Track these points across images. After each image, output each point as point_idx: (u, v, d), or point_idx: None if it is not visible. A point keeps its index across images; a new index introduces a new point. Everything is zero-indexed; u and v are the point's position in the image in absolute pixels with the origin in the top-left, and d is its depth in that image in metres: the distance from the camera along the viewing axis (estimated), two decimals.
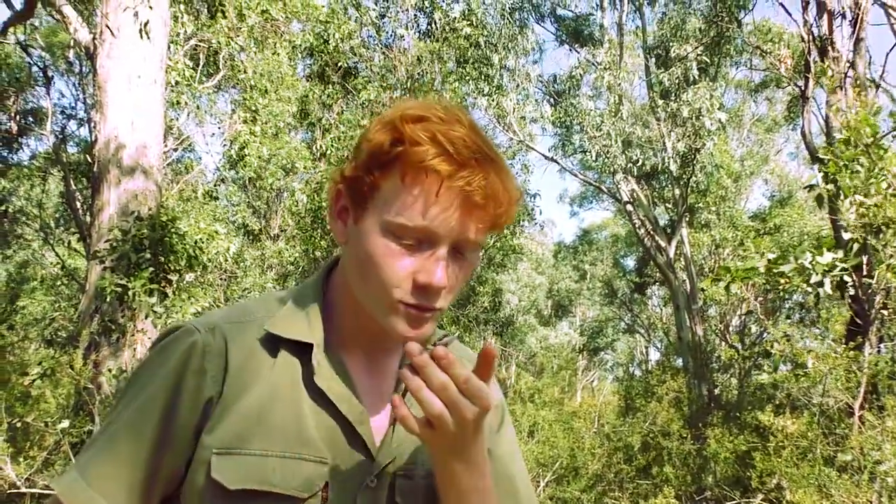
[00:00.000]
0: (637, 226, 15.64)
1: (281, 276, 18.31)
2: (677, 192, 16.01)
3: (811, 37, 8.02)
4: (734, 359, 10.86)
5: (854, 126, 5.47)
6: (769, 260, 5.34)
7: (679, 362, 16.47)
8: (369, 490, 1.08)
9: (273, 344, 1.09)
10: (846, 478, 4.17)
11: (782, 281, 5.34)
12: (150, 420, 1.04)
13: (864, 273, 5.39)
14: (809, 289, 5.12)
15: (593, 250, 30.96)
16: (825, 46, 8.05)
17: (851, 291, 5.42)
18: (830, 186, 5.58)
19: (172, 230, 7.84)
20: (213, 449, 1.03)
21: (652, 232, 14.93)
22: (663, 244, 14.71)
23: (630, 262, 29.13)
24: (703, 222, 21.21)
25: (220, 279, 16.19)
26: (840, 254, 5.05)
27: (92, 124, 12.36)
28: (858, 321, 5.52)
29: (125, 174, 8.34)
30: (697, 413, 8.26)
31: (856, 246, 5.34)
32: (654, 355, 29.45)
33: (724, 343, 17.43)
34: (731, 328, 18.85)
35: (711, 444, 6.56)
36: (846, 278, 5.18)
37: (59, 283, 19.72)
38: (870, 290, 5.46)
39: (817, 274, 5.08)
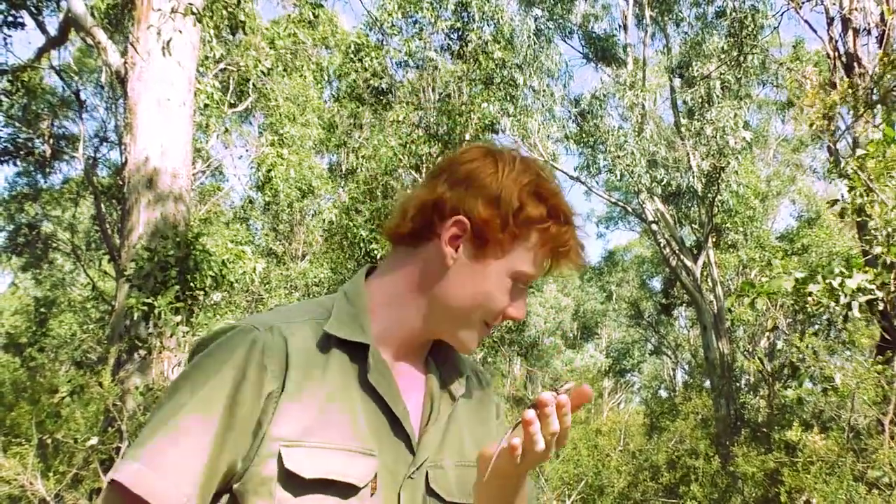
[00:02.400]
0: (662, 245, 15.55)
1: (306, 296, 18.43)
2: (703, 212, 15.92)
3: (836, 53, 8.00)
4: (761, 372, 10.74)
5: (881, 140, 5.43)
6: (797, 279, 5.29)
7: (707, 384, 16.30)
8: (410, 481, 1.19)
9: (328, 343, 1.18)
10: (876, 494, 4.10)
11: (810, 300, 5.29)
12: (216, 412, 1.09)
13: (894, 289, 5.32)
14: (839, 308, 5.06)
15: (619, 271, 30.81)
16: (851, 63, 8.02)
17: (881, 306, 5.35)
18: (858, 200, 5.54)
19: (198, 248, 7.93)
20: (282, 441, 1.10)
21: (678, 252, 14.84)
22: (689, 264, 14.61)
23: (656, 284, 28.96)
24: (730, 243, 21.05)
25: (246, 300, 16.32)
26: (870, 275, 4.99)
27: (123, 146, 12.59)
28: (888, 337, 5.44)
29: (154, 195, 8.47)
30: (724, 432, 8.16)
31: (886, 259, 5.28)
32: (681, 377, 29.13)
33: (751, 366, 17.23)
34: (758, 349, 18.64)
35: (739, 462, 6.48)
36: (876, 292, 5.11)
37: (88, 305, 19.96)
38: None
39: (846, 296, 5.02)
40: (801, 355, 5.19)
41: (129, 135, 9.10)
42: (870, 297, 4.79)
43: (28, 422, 6.16)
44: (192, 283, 7.91)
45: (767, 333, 18.91)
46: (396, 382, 1.21)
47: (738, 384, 13.34)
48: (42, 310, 20.60)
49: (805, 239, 22.06)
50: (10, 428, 6.42)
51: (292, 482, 1.10)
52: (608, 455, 7.61)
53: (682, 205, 17.96)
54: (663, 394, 29.79)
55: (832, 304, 4.82)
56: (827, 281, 4.88)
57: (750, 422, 7.72)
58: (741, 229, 20.79)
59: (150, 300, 7.36)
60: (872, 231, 5.54)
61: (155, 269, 7.68)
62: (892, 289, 4.99)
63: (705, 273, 16.37)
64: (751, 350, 18.18)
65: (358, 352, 1.19)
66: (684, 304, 24.43)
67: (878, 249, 5.47)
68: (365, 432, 1.15)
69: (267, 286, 16.85)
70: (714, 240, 18.10)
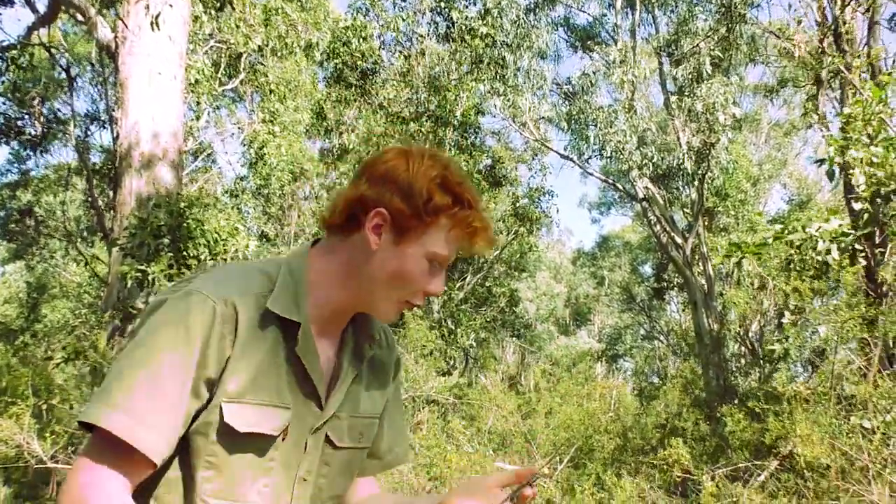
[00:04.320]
0: (653, 223, 15.64)
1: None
2: (693, 193, 16.00)
3: (825, 20, 8.06)
4: (750, 352, 10.84)
5: (865, 100, 5.51)
6: (777, 231, 5.37)
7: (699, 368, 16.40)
8: (316, 432, 1.46)
9: (268, 317, 1.39)
10: (858, 437, 4.18)
11: (792, 252, 5.37)
12: (187, 369, 1.30)
13: (876, 243, 5.40)
14: (818, 257, 5.13)
15: (612, 256, 30.89)
16: (839, 30, 8.08)
17: (863, 262, 5.43)
18: (839, 159, 5.61)
19: (190, 217, 7.96)
20: (224, 398, 1.34)
21: (669, 230, 14.92)
22: (680, 241, 14.69)
23: (648, 269, 29.05)
24: (721, 226, 21.14)
25: None
26: (846, 220, 5.06)
27: (114, 121, 12.59)
28: (871, 291, 5.52)
29: (145, 166, 8.50)
30: (712, 400, 8.25)
31: (866, 216, 5.35)
32: (673, 362, 29.24)
33: (742, 347, 17.33)
34: (749, 333, 18.73)
35: (728, 422, 6.57)
36: (858, 247, 5.19)
37: (81, 289, 19.92)
38: (882, 260, 5.46)
39: (824, 241, 5.10)
40: (788, 302, 5.27)
41: (121, 109, 9.12)
42: (853, 242, 4.86)
43: (24, 385, 6.20)
44: (185, 252, 7.94)
45: (758, 317, 18.99)
46: (317, 352, 1.45)
47: (727, 363, 13.43)
48: (34, 295, 20.53)
49: (796, 222, 22.11)
50: (5, 390, 6.46)
51: (228, 432, 1.34)
52: (599, 419, 7.69)
53: (672, 187, 18.04)
54: (655, 380, 29.92)
55: (811, 252, 4.89)
56: (806, 230, 4.95)
57: (738, 392, 7.79)
58: (732, 212, 20.88)
59: (143, 267, 7.40)
60: (856, 188, 5.62)
61: (148, 237, 7.71)
62: (876, 242, 5.06)
63: (696, 256, 16.45)
64: (741, 333, 18.26)
65: (291, 327, 1.41)
66: (675, 288, 24.54)
67: (858, 206, 5.55)
68: (285, 393, 1.40)
69: None
70: (706, 223, 18.18)
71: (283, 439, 1.41)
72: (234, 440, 1.35)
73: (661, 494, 4.71)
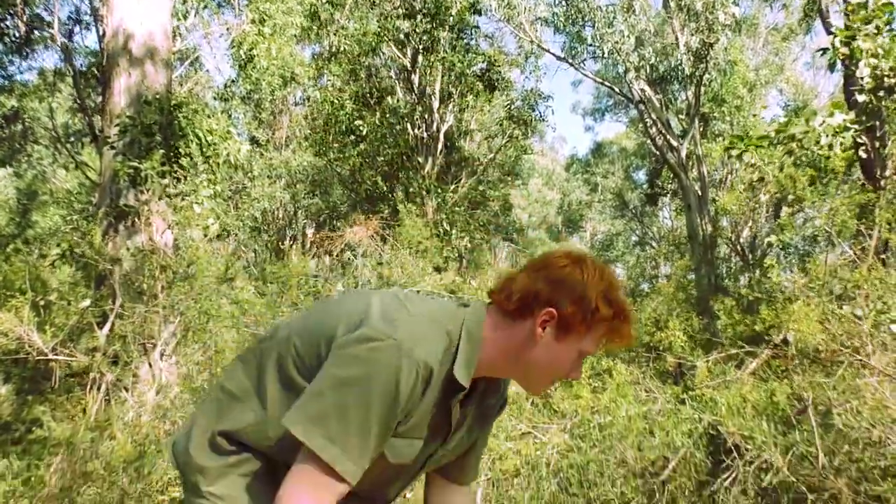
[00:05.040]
0: (649, 125, 15.51)
1: (290, 185, 18.34)
2: (690, 96, 15.81)
3: None
4: (741, 257, 10.94)
5: None
6: (779, 124, 5.31)
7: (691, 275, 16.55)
8: (430, 457, 1.79)
9: (448, 377, 1.66)
10: (852, 324, 4.24)
11: (794, 146, 5.33)
12: (391, 424, 1.59)
13: (877, 136, 5.36)
14: (820, 151, 5.10)
15: (606, 163, 30.73)
16: None
17: (863, 155, 5.40)
18: (845, 50, 5.51)
19: (181, 116, 7.84)
20: (391, 435, 1.63)
21: (664, 132, 14.79)
22: (675, 143, 14.59)
23: (642, 176, 28.97)
24: (716, 132, 20.99)
25: (230, 190, 16.21)
26: (851, 115, 5.01)
27: (99, 22, 12.24)
28: (869, 185, 5.51)
29: (134, 63, 8.30)
30: (704, 297, 8.35)
31: (869, 109, 5.30)
32: (664, 269, 29.48)
33: (734, 253, 17.47)
34: (741, 239, 18.85)
35: (721, 315, 6.66)
36: (859, 140, 5.15)
37: (71, 196, 19.78)
38: (882, 155, 5.44)
39: (827, 136, 5.06)
40: (784, 192, 5.27)
41: (105, 6, 8.87)
42: (855, 135, 4.82)
43: (21, 279, 6.19)
44: (177, 150, 7.86)
45: (750, 223, 19.06)
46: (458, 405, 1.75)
47: (719, 264, 13.57)
48: (24, 202, 20.37)
49: (792, 128, 21.92)
50: (2, 283, 6.46)
51: (378, 458, 1.64)
52: None
53: (669, 90, 17.80)
54: (645, 287, 30.23)
55: (814, 147, 4.86)
56: (810, 123, 4.90)
57: (729, 292, 7.85)
58: (728, 119, 20.69)
59: (136, 164, 7.32)
60: (859, 80, 5.54)
61: (139, 135, 7.61)
62: (877, 135, 5.02)
63: (691, 160, 16.37)
64: (733, 239, 18.39)
65: (457, 386, 1.67)
66: (669, 194, 24.54)
67: (861, 97, 5.49)
68: (426, 428, 1.70)
69: (250, 174, 16.72)
70: (700, 129, 18.01)
71: (412, 464, 1.76)
72: (380, 460, 1.65)
73: (656, 383, 4.80)
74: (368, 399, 1.55)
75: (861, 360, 3.92)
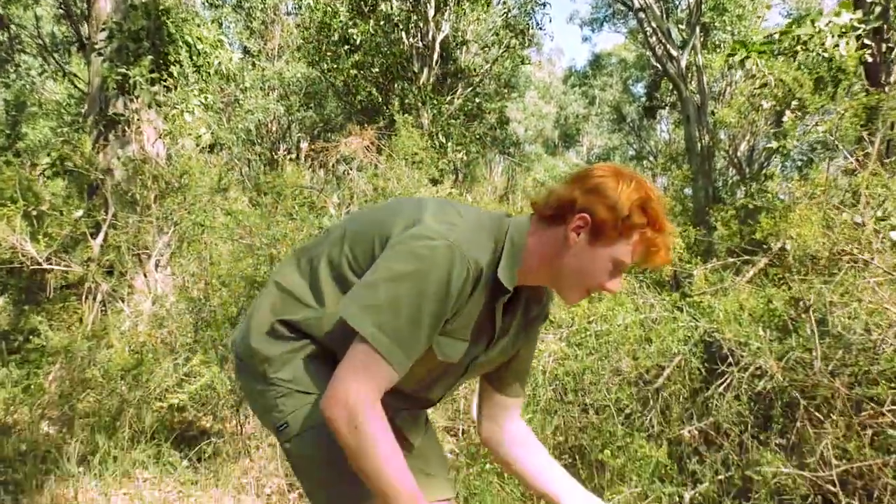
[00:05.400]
0: (648, 34, 15.17)
1: (283, 97, 18.05)
2: (692, 2, 15.40)
3: None
4: (737, 169, 10.86)
5: None
6: (784, 26, 5.15)
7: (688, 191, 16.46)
8: (474, 360, 1.85)
9: (492, 279, 1.72)
10: (851, 230, 4.21)
11: (799, 49, 5.18)
12: (441, 318, 1.65)
13: (883, 39, 5.22)
14: (826, 53, 4.97)
15: (604, 75, 30.23)
16: None
17: (869, 59, 5.26)
18: None
19: (169, 20, 7.61)
20: (439, 332, 1.70)
21: (664, 42, 14.46)
22: (675, 53, 14.28)
23: (640, 89, 28.54)
24: (716, 43, 20.58)
25: (222, 102, 15.93)
26: (859, 13, 4.85)
27: None
28: (873, 91, 5.39)
29: None
30: (701, 209, 8.29)
31: (878, 9, 5.13)
32: (661, 182, 29.38)
33: (732, 167, 17.35)
34: (738, 152, 18.68)
35: (718, 226, 6.62)
36: (866, 41, 5.01)
37: (60, 108, 19.45)
38: (888, 60, 5.30)
39: (833, 36, 4.92)
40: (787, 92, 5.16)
41: None
42: (863, 36, 4.68)
43: (12, 188, 6.12)
44: (167, 57, 7.66)
45: (748, 137, 18.87)
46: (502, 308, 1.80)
47: (717, 176, 13.49)
48: (13, 113, 20.04)
49: (797, 31, 21.46)
50: None
51: (425, 353, 1.70)
52: None
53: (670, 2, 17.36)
54: None
55: (819, 49, 4.73)
56: (816, 24, 4.76)
57: (726, 202, 7.78)
58: (729, 28, 20.26)
59: (124, 70, 7.14)
60: None
61: (126, 39, 7.40)
62: (885, 34, 4.88)
63: (690, 71, 16.07)
64: (730, 153, 18.24)
65: (501, 288, 1.73)
66: (667, 107, 24.23)
67: None
68: (471, 330, 1.77)
69: (242, 86, 16.40)
70: (701, 39, 17.63)
71: (456, 363, 1.81)
72: (427, 357, 1.71)
73: (653, 292, 4.79)
74: (421, 293, 1.62)
75: (860, 265, 3.90)
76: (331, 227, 1.95)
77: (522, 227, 1.79)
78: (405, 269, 1.63)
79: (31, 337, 5.66)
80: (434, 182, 8.13)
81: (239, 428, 4.98)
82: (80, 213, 6.70)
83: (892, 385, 3.18)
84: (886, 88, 5.59)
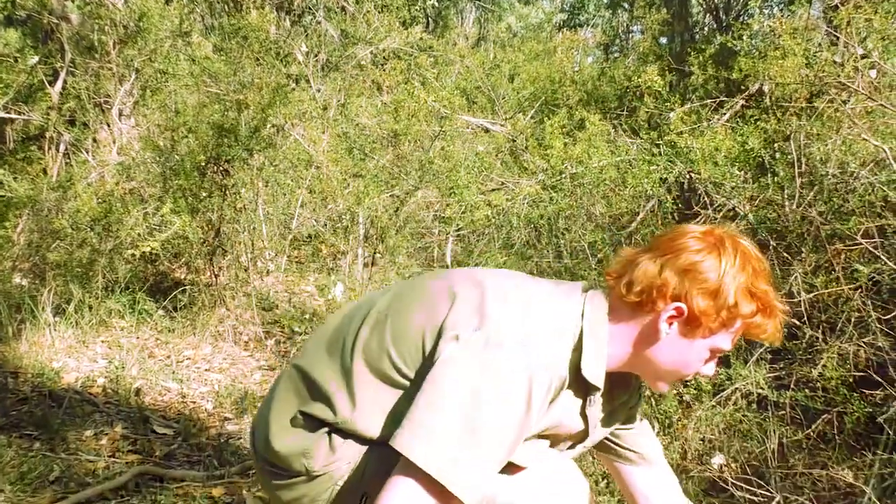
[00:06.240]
0: None
1: None
2: None
3: None
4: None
5: None
6: None
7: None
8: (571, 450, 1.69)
9: (578, 377, 1.50)
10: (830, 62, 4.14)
11: None
12: (521, 437, 1.41)
13: None
14: None
15: None
16: None
17: None
18: None
19: None
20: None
21: None
22: None
23: None
24: None
25: None
26: None
27: None
28: None
29: None
30: (677, 56, 8.12)
31: None
32: (638, 29, 28.70)
33: (708, 14, 16.91)
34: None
35: (695, 70, 6.50)
36: None
37: None
38: None
39: None
40: None
41: None
42: None
43: None
44: None
45: None
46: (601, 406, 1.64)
47: (694, 23, 13.16)
48: None
49: None
50: None
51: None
52: (564, 73, 7.59)
53: None
54: (617, 50, 29.50)
55: None
56: None
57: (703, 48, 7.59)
58: None
59: None
60: None
61: None
62: None
63: None
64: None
65: (587, 388, 1.54)
66: None
67: None
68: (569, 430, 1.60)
69: None
70: None
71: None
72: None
73: (629, 135, 4.75)
74: (500, 418, 1.36)
75: (838, 104, 3.85)
76: (359, 304, 1.64)
77: (600, 309, 1.52)
78: (477, 386, 1.34)
79: None
80: (405, 24, 7.88)
81: (213, 279, 4.99)
82: (35, 59, 6.42)
83: (863, 220, 3.21)
84: None
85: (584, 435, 1.64)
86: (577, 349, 1.49)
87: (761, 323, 1.48)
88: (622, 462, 1.87)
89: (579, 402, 1.57)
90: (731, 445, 3.27)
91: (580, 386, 1.53)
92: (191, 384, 3.95)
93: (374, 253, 4.88)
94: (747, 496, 2.66)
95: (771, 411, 3.25)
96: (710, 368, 1.57)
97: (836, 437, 3.05)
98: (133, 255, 4.50)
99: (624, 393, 1.72)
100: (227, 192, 4.76)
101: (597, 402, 1.60)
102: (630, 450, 1.84)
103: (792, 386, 3.18)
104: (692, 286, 1.44)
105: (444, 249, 5.63)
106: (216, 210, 4.75)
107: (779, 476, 2.86)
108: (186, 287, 4.83)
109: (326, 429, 1.53)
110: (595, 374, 1.50)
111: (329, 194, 5.31)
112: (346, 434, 1.50)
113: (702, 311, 1.44)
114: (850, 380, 3.07)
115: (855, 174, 3.24)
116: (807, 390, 3.12)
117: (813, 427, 3.05)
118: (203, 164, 4.58)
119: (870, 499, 2.36)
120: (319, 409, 1.53)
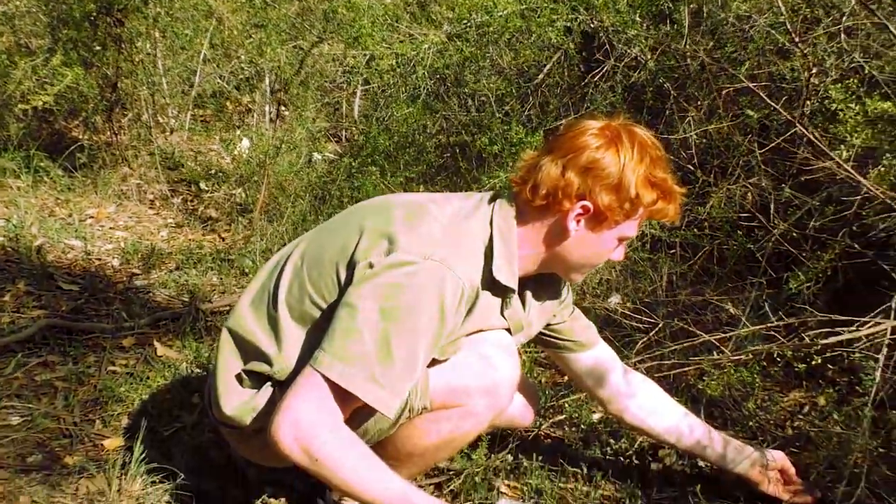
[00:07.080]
0: None
1: None
2: None
3: None
4: None
5: None
6: None
7: None
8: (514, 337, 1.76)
9: (493, 283, 1.57)
10: None
11: None
12: (437, 343, 1.48)
13: None
14: None
15: None
16: None
17: None
18: None
19: None
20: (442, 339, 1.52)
21: None
22: None
23: None
24: None
25: None
26: None
27: None
28: None
29: None
30: None
31: None
32: None
33: None
34: None
35: None
36: None
37: None
38: None
39: None
40: None
41: None
42: None
43: None
44: None
45: None
46: (523, 304, 1.74)
47: None
48: None
49: None
50: None
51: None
52: None
53: None
54: None
55: None
56: None
57: None
58: None
59: None
60: None
61: None
62: None
63: None
64: None
65: (505, 289, 1.61)
66: None
67: None
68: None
69: None
70: None
71: None
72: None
73: None
74: (413, 329, 1.41)
75: None
76: (278, 258, 1.72)
77: (508, 215, 1.59)
78: (389, 305, 1.40)
79: None
80: None
81: (113, 137, 4.84)
82: None
83: (756, 66, 3.31)
84: None
85: (518, 328, 1.73)
86: (489, 255, 1.56)
87: (662, 208, 1.58)
88: (564, 352, 1.98)
89: (498, 302, 1.64)
90: (627, 286, 3.47)
91: (497, 289, 1.61)
92: (95, 242, 3.90)
93: (279, 106, 4.78)
94: (634, 324, 2.85)
95: (664, 252, 3.44)
96: (619, 253, 1.67)
97: (720, 272, 3.26)
98: (24, 110, 4.30)
99: (550, 288, 1.82)
100: (123, 44, 4.53)
101: (515, 302, 1.68)
102: (569, 340, 1.95)
103: (682, 228, 3.34)
104: (595, 183, 1.52)
105: (352, 104, 5.57)
106: (112, 64, 4.53)
107: (666, 307, 3.07)
108: (85, 145, 4.67)
109: (269, 382, 1.61)
110: (507, 276, 1.58)
111: (230, 46, 5.12)
112: (286, 383, 1.54)
113: (606, 206, 1.53)
114: (735, 218, 3.25)
115: (750, 27, 3.32)
116: (695, 229, 3.29)
117: (696, 258, 3.26)
118: (94, 13, 4.32)
119: (744, 325, 2.55)
120: (257, 366, 1.61)
